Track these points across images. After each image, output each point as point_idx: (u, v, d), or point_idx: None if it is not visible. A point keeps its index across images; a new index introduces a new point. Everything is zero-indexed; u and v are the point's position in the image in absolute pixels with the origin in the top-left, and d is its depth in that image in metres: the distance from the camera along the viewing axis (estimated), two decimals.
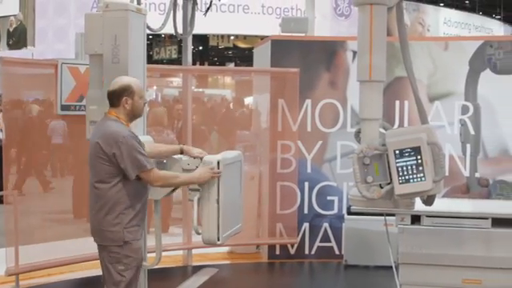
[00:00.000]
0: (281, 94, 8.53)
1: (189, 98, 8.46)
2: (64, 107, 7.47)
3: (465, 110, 8.41)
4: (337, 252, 8.55)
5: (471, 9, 28.21)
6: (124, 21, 5.35)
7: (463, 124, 8.41)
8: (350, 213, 8.02)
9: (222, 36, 25.91)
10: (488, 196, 8.32)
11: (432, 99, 8.42)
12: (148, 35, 5.95)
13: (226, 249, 8.99)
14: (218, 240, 4.81)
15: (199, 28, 8.59)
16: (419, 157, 4.57)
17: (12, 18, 22.94)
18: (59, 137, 8.38)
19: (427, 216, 5.80)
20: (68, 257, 7.45)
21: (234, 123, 9.61)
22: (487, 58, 8.32)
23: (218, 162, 4.77)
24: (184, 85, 8.60)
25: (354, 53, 8.11)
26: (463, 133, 8.42)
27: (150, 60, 24.93)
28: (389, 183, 4.68)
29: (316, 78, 8.52)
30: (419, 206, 5.06)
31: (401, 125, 8.34)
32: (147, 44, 5.96)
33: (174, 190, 5.09)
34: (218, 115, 11.00)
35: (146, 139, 5.25)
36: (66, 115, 7.61)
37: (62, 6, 19.86)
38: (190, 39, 8.33)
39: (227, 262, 8.71)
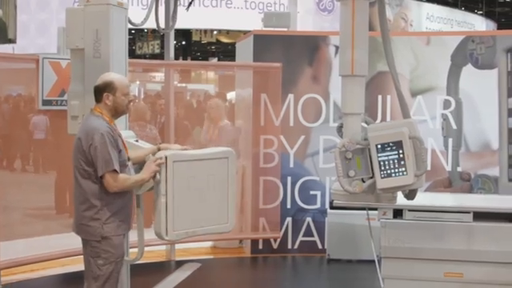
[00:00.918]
0: (263, 88, 8.53)
1: (171, 93, 8.44)
2: (46, 102, 7.40)
3: (447, 104, 8.44)
4: (320, 246, 8.58)
5: (454, 4, 28.28)
6: (105, 15, 5.33)
7: (445, 118, 8.44)
8: (332, 207, 8.02)
9: (205, 31, 25.80)
10: (470, 190, 8.35)
11: (414, 94, 8.44)
12: (130, 30, 5.93)
13: (209, 244, 9.01)
14: (167, 235, 4.75)
15: (182, 23, 8.58)
16: (401, 151, 4.58)
17: None
18: (41, 132, 8.33)
19: (409, 210, 5.78)
20: (50, 252, 7.42)
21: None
22: (469, 52, 8.35)
23: (166, 158, 4.70)
24: (166, 79, 8.59)
25: (337, 48, 8.13)
26: (445, 127, 8.44)
27: (133, 55, 24.85)
28: (371, 177, 4.68)
29: (298, 73, 8.52)
30: (401, 200, 5.06)
31: (383, 119, 8.34)
32: (130, 39, 5.94)
33: None
34: (201, 110, 10.97)
35: (128, 134, 5.25)
36: (47, 110, 7.55)
37: (44, 1, 19.70)
38: (172, 34, 8.31)
39: (210, 256, 8.73)
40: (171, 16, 8.00)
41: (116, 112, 4.74)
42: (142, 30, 24.78)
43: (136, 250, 5.27)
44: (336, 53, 8.35)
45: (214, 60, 30.02)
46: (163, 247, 8.45)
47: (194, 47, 31.87)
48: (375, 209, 5.86)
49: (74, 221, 4.76)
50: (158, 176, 4.69)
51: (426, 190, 7.69)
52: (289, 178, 8.57)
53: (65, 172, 7.48)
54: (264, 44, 8.52)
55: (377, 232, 5.92)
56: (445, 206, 5.92)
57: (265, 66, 8.46)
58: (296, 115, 8.53)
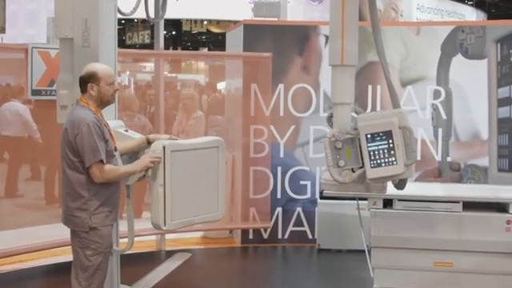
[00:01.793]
0: (253, 78, 8.50)
1: (161, 83, 8.42)
2: (35, 92, 7.38)
3: (437, 94, 8.45)
4: (310, 236, 8.58)
5: None
6: (94, 4, 5.31)
7: (435, 108, 8.44)
8: (322, 197, 7.97)
9: (195, 21, 25.72)
10: (459, 180, 8.38)
11: (404, 84, 8.44)
12: (120, 20, 5.91)
13: (199, 234, 9.00)
14: (165, 225, 4.79)
15: (172, 13, 8.53)
16: (391, 141, 4.55)
17: None
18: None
19: (399, 200, 5.84)
20: (40, 243, 7.39)
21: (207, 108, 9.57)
22: (459, 43, 8.37)
23: (164, 148, 4.74)
24: (156, 69, 8.57)
25: (327, 37, 8.05)
26: (435, 117, 8.46)
27: (123, 45, 24.74)
28: (361, 167, 4.65)
29: (289, 63, 8.51)
30: (391, 189, 5.04)
31: (373, 109, 8.35)
32: (120, 29, 5.92)
33: (144, 176, 5.00)
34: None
35: (116, 124, 5.26)
36: (36, 100, 7.51)
37: None
38: (162, 24, 8.27)
39: (201, 246, 8.71)
40: (161, 5, 7.92)
41: (101, 102, 4.73)
42: (132, 19, 24.67)
43: (126, 240, 5.30)
44: (326, 43, 8.31)
45: (205, 50, 29.95)
46: (153, 237, 8.43)
47: (185, 37, 31.74)
48: (365, 199, 5.91)
49: (62, 211, 4.76)
50: (149, 171, 4.73)
51: (415, 180, 7.69)
52: (279, 168, 8.56)
53: (54, 163, 7.45)
54: (254, 34, 8.48)
55: (367, 222, 5.98)
56: (435, 196, 5.95)
57: (255, 55, 8.42)
58: (286, 105, 8.51)
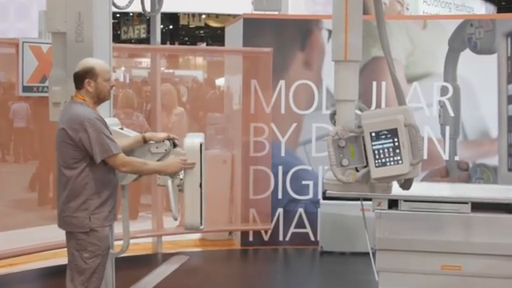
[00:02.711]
0: (253, 74, 8.48)
1: (158, 79, 8.38)
2: (26, 88, 7.37)
3: (444, 91, 8.41)
4: (312, 238, 8.54)
5: None
6: None
7: (442, 105, 8.41)
8: (325, 197, 7.96)
9: (193, 15, 25.79)
10: (468, 180, 8.33)
11: (410, 80, 8.42)
12: (115, 14, 5.79)
13: (197, 236, 8.98)
14: (201, 225, 4.82)
15: (169, 6, 8.54)
16: (396, 139, 4.52)
17: None
18: (22, 120, 8.25)
19: (405, 200, 5.76)
20: (31, 245, 7.33)
21: (205, 105, 9.51)
22: (467, 37, 8.33)
23: (201, 145, 4.75)
24: (153, 65, 8.54)
25: (330, 32, 8.05)
26: (442, 115, 8.41)
27: (118, 39, 24.71)
28: (365, 166, 4.62)
29: (290, 58, 8.47)
30: (397, 190, 5.01)
31: (378, 106, 8.30)
32: (115, 23, 5.81)
33: (140, 176, 5.04)
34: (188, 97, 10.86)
35: (112, 122, 5.19)
36: (28, 97, 7.51)
37: None
38: (158, 17, 8.22)
39: (199, 249, 8.69)
40: None
41: (98, 98, 4.71)
42: (127, 13, 24.74)
43: (121, 242, 5.28)
44: (329, 37, 8.26)
45: (203, 45, 29.91)
46: (149, 239, 8.42)
47: (182, 32, 31.98)
48: (370, 199, 5.82)
49: (58, 213, 4.70)
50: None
51: (422, 180, 7.69)
52: (280, 168, 8.51)
53: (47, 162, 7.39)
54: (254, 28, 8.45)
55: (371, 223, 5.91)
56: (442, 197, 5.89)
57: (255, 51, 8.39)
58: (287, 102, 8.48)
